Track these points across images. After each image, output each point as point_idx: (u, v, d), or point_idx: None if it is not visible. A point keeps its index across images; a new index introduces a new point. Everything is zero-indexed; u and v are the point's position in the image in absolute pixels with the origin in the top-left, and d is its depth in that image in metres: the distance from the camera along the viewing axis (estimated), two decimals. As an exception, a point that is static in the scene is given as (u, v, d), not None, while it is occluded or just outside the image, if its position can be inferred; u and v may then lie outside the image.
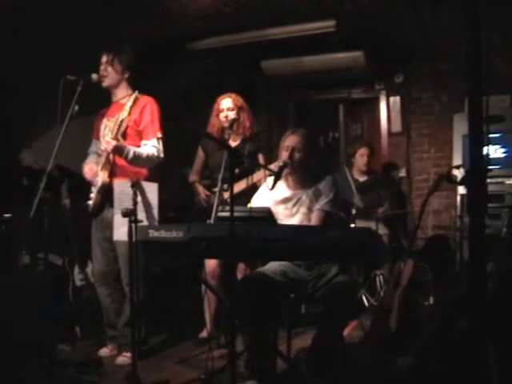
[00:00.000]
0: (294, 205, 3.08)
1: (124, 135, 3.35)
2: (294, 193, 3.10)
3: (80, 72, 3.26)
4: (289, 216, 3.06)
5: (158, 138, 3.42)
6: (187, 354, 3.45)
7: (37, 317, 3.30)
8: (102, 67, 3.44)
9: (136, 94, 3.42)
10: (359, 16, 4.59)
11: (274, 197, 3.09)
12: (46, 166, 3.11)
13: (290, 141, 3.07)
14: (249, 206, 3.08)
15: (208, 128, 3.86)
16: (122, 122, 3.33)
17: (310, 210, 3.04)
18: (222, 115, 3.77)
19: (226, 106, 3.78)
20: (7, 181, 4.12)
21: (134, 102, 3.39)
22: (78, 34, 4.14)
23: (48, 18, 3.88)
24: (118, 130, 3.32)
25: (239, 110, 3.78)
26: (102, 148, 3.31)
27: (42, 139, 4.44)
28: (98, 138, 3.56)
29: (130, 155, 3.27)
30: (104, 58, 3.45)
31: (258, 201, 3.13)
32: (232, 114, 3.75)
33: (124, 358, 3.32)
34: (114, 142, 3.20)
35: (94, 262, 3.58)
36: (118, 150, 3.24)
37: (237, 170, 3.65)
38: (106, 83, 3.45)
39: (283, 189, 3.11)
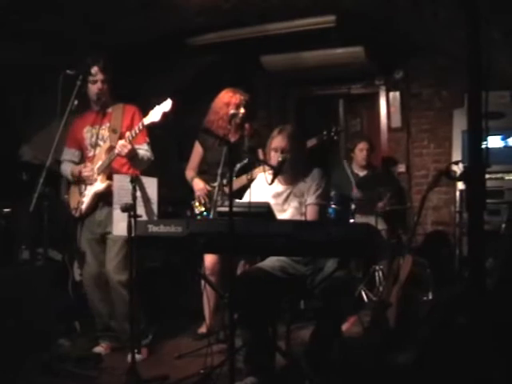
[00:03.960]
0: (285, 199, 3.07)
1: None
2: (285, 188, 3.10)
3: (79, 67, 3.25)
4: (280, 211, 3.03)
5: (147, 143, 3.52)
6: (186, 349, 3.45)
7: (36, 312, 3.30)
8: (99, 85, 3.40)
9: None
10: (359, 11, 4.58)
11: (267, 191, 3.08)
12: (45, 160, 3.11)
13: (276, 142, 3.06)
14: (243, 200, 3.08)
15: (213, 120, 3.78)
16: (142, 127, 3.27)
17: (301, 204, 3.03)
18: (232, 109, 3.71)
19: (239, 101, 3.74)
20: (7, 176, 4.11)
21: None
22: (80, 30, 4.13)
23: (48, 15, 3.87)
24: (136, 134, 3.30)
25: (249, 108, 3.79)
26: (116, 152, 3.29)
27: (41, 134, 4.43)
28: (76, 147, 3.57)
29: (138, 157, 3.40)
30: (100, 76, 3.39)
31: (252, 195, 3.10)
32: (242, 110, 3.72)
33: (138, 356, 3.19)
34: (129, 146, 3.28)
35: (85, 265, 3.51)
36: (131, 153, 3.32)
37: (238, 165, 3.64)
38: (103, 99, 3.45)
39: (274, 184, 3.08)
